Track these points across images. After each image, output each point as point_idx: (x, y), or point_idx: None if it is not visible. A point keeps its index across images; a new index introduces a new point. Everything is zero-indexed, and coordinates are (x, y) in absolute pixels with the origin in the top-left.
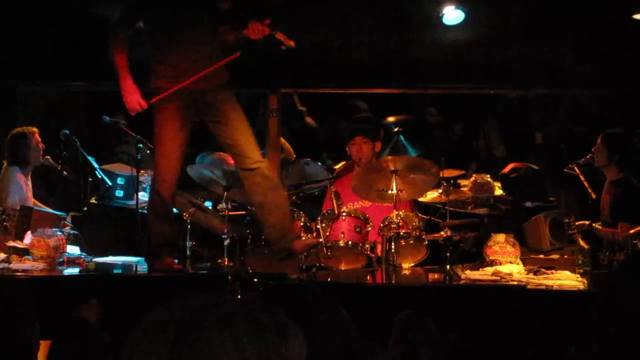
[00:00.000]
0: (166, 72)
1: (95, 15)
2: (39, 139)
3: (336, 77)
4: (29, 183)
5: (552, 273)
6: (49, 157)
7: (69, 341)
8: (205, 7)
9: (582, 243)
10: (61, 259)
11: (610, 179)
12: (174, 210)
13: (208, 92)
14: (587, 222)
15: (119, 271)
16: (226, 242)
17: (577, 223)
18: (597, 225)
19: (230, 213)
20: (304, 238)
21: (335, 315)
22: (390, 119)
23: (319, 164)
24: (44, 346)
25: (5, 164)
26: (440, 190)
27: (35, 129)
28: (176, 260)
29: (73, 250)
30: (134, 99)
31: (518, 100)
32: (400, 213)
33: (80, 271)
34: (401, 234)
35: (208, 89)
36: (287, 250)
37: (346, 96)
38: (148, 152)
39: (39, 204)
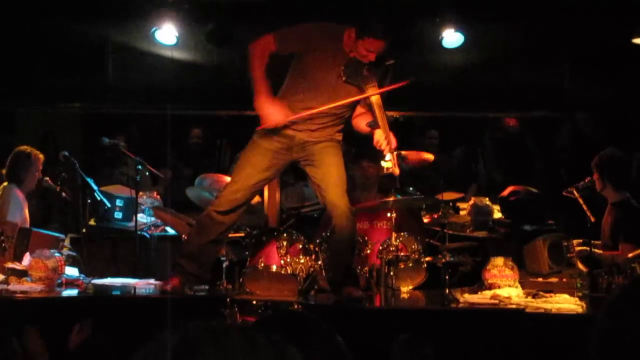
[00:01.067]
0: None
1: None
2: (40, 167)
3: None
4: (26, 202)
5: (551, 296)
6: (47, 178)
7: None
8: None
9: (580, 266)
10: (60, 281)
11: (611, 201)
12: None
13: (315, 143)
14: (587, 248)
15: (118, 293)
16: (225, 265)
17: (577, 249)
18: (597, 251)
19: (229, 235)
20: (302, 261)
21: (330, 342)
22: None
23: None
24: None
25: (6, 182)
26: (439, 213)
27: (41, 155)
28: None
29: (71, 271)
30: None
31: (517, 123)
32: (400, 235)
33: (78, 293)
34: (400, 256)
35: (317, 141)
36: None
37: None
38: (147, 173)
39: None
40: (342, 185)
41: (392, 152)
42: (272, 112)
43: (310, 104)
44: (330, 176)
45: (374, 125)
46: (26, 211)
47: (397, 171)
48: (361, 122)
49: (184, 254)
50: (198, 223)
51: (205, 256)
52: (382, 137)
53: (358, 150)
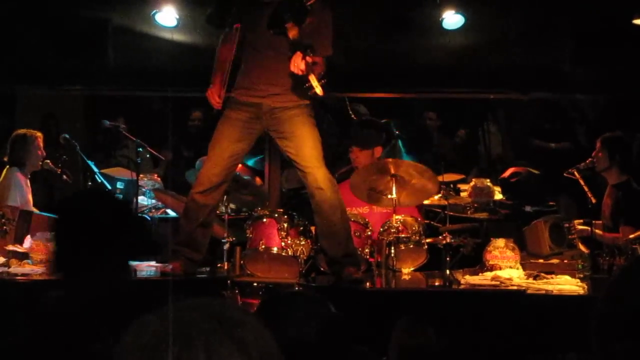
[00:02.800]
0: (242, 83)
1: (94, 21)
2: (41, 145)
3: (336, 81)
4: (29, 185)
5: (552, 278)
6: (48, 161)
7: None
8: (280, 32)
9: (582, 247)
10: None
11: (612, 183)
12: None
13: (282, 109)
14: (588, 229)
15: None
16: (226, 247)
17: (578, 228)
18: (598, 231)
19: (230, 217)
20: (303, 243)
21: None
22: None
23: None
24: None
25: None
26: (440, 195)
27: (39, 134)
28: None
29: None
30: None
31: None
32: (400, 217)
33: None
34: (401, 238)
35: (284, 107)
36: (346, 277)
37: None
38: (148, 156)
39: (35, 209)
40: (317, 154)
41: (310, 74)
42: (208, 94)
43: (255, 64)
44: (304, 146)
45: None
46: (29, 194)
47: (320, 92)
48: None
49: (179, 241)
50: (184, 209)
51: (199, 240)
52: (297, 61)
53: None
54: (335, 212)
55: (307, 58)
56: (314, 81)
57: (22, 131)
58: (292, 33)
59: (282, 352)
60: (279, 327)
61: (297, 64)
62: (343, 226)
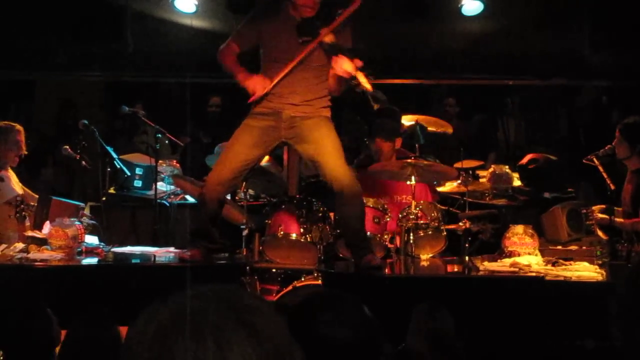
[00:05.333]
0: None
1: (113, 7)
2: (21, 139)
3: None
4: (10, 177)
5: (571, 264)
6: (67, 147)
7: (83, 331)
8: (314, 39)
9: (600, 234)
10: (79, 249)
11: (632, 169)
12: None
13: (302, 119)
14: (607, 218)
15: (137, 261)
16: (245, 233)
17: (598, 216)
18: (618, 219)
19: (249, 203)
20: (322, 229)
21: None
22: None
23: None
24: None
25: None
26: (459, 181)
27: (19, 127)
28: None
29: (91, 240)
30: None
31: (537, 90)
32: (420, 203)
33: (98, 261)
34: (420, 224)
35: (303, 116)
36: (364, 265)
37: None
38: (167, 142)
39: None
40: (338, 154)
41: (357, 72)
42: (255, 81)
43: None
44: (324, 147)
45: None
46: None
47: (369, 87)
48: (331, 81)
49: (196, 232)
50: (198, 201)
51: (214, 229)
52: (345, 63)
53: (371, 127)
54: (358, 211)
55: (356, 61)
56: (362, 78)
57: (1, 123)
58: (329, 37)
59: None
60: (312, 327)
61: (344, 68)
62: (363, 220)
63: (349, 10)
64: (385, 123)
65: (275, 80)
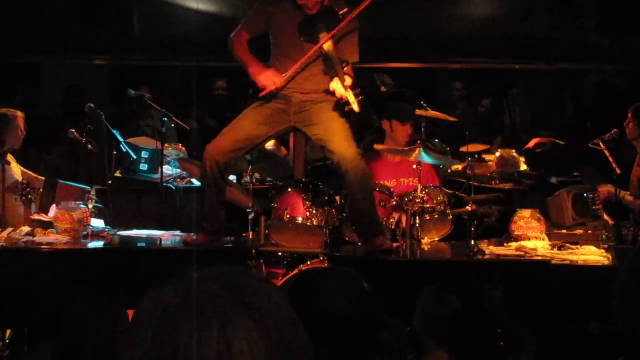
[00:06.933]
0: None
1: None
2: (21, 125)
3: (360, 51)
4: (11, 163)
5: (577, 248)
6: (74, 130)
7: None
8: (313, 41)
9: (606, 218)
10: (85, 232)
11: None
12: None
13: (311, 103)
14: (613, 192)
15: (143, 244)
16: (251, 216)
17: (601, 189)
18: (624, 194)
19: (255, 187)
20: (328, 213)
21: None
22: None
23: None
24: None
25: None
26: (465, 165)
27: (20, 113)
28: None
29: (97, 223)
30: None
31: (543, 75)
32: (426, 187)
33: (104, 244)
34: (426, 208)
35: (313, 100)
36: (374, 248)
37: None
38: (173, 125)
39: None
40: (347, 135)
41: (348, 92)
42: (266, 76)
43: (286, 70)
44: (332, 128)
45: (328, 72)
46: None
47: (356, 108)
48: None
49: (202, 216)
50: (202, 178)
51: (219, 212)
52: (336, 85)
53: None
54: (367, 192)
55: (347, 80)
56: (351, 98)
57: (2, 110)
58: (328, 46)
59: (314, 327)
60: (311, 302)
61: (334, 88)
62: (372, 201)
63: (350, 17)
64: (402, 106)
65: (285, 81)
